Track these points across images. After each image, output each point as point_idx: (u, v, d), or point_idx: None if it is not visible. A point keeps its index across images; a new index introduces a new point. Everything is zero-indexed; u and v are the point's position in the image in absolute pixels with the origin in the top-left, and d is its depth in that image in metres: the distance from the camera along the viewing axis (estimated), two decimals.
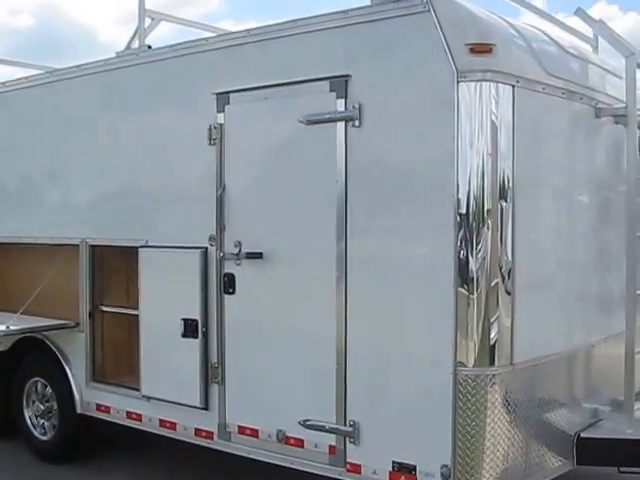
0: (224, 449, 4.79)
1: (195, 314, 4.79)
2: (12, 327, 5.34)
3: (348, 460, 4.21)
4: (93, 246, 5.56)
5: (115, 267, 5.72)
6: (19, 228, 6.08)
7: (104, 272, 5.66)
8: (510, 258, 3.92)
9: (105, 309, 5.65)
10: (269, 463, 4.56)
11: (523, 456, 4.04)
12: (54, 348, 5.81)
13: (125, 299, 5.63)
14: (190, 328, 4.80)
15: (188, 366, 4.84)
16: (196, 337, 4.79)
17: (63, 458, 5.90)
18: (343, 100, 4.18)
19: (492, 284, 3.86)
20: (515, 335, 3.94)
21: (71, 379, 5.71)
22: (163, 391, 5.02)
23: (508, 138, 3.91)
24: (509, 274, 3.91)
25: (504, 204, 3.90)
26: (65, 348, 5.77)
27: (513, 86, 3.93)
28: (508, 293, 3.92)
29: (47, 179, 5.91)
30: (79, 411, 5.67)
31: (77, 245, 5.62)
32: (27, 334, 5.61)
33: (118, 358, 5.69)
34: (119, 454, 6.04)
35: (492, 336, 3.87)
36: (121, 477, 5.69)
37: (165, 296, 4.99)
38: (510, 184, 3.92)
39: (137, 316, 5.41)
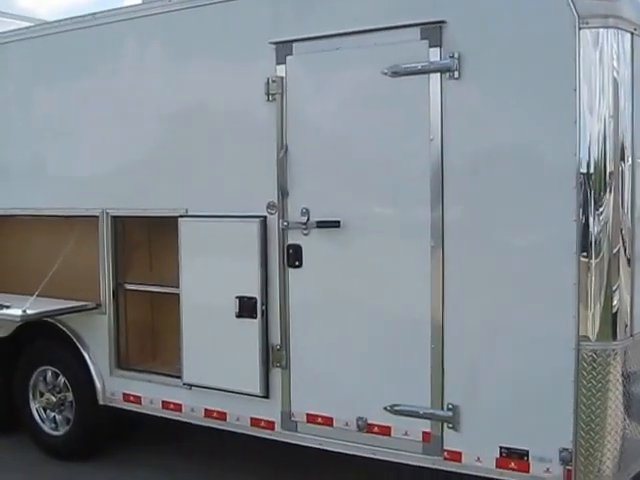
0: (288, 440, 4.32)
1: (253, 291, 4.28)
2: (29, 311, 4.69)
3: (446, 447, 3.83)
4: (115, 217, 4.96)
5: (138, 240, 5.15)
6: (26, 198, 5.38)
7: (126, 246, 5.07)
8: (630, 224, 3.62)
9: (129, 287, 5.07)
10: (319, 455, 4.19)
11: (638, 434, 3.78)
12: (69, 332, 5.17)
13: (152, 276, 5.09)
14: (247, 307, 4.29)
15: (244, 350, 4.34)
16: (254, 317, 4.28)
17: (79, 454, 5.30)
18: (437, 49, 3.71)
19: (614, 250, 3.54)
20: (635, 305, 3.66)
21: (91, 367, 5.11)
22: (211, 378, 4.48)
23: (628, 92, 3.58)
24: (630, 240, 3.60)
25: (624, 165, 3.58)
26: (82, 332, 5.14)
27: (632, 34, 3.59)
28: (629, 260, 3.61)
29: (60, 141, 5.18)
30: (101, 402, 5.08)
31: (96, 217, 5.01)
32: (43, 318, 4.95)
33: (144, 342, 5.16)
34: (139, 447, 5.52)
35: (614, 307, 3.54)
36: (147, 474, 5.19)
37: (214, 272, 4.44)
38: (630, 144, 3.60)
39: (167, 295, 4.90)
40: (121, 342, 5.02)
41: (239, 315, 4.31)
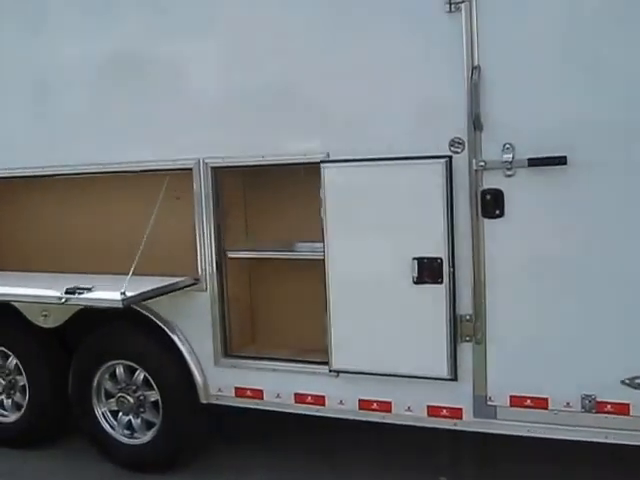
0: (482, 429, 3.52)
1: (437, 250, 3.42)
2: (129, 294, 3.64)
3: None
4: (216, 168, 3.96)
5: (233, 199, 4.16)
6: (75, 153, 4.23)
7: (227, 204, 4.08)
8: None
9: (233, 256, 4.08)
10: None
11: None
12: (151, 316, 4.13)
13: (248, 241, 4.16)
14: (429, 270, 3.42)
15: (423, 324, 3.49)
16: (439, 282, 3.43)
17: (165, 464, 4.29)
18: None
19: None
20: None
21: (187, 358, 4.08)
22: (371, 362, 3.61)
23: None
24: None
25: None
26: (172, 316, 4.11)
27: None
28: None
29: (129, 73, 4.08)
30: (204, 400, 4.09)
31: (188, 169, 3.98)
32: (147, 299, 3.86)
33: (243, 322, 4.20)
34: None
35: None
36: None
37: (378, 230, 3.53)
38: None
39: (269, 263, 4.06)
40: (230, 324, 4.05)
41: (418, 281, 3.45)
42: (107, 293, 3.70)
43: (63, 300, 3.71)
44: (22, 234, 4.79)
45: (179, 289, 3.93)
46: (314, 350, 4.03)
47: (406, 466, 4.19)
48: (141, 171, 4.10)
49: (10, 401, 4.75)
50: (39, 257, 4.66)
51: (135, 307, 4.05)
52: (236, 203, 4.16)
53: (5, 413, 4.77)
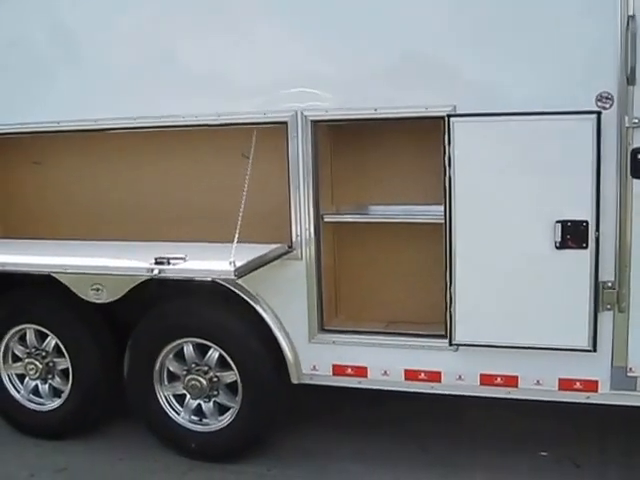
0: (618, 402, 3.33)
1: (583, 213, 3.14)
2: (238, 263, 3.17)
3: None
4: (316, 122, 3.54)
5: (326, 154, 3.75)
6: (137, 105, 3.73)
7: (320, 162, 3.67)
8: None
9: (330, 220, 3.70)
10: None
11: None
12: (235, 289, 3.68)
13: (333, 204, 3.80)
14: (574, 234, 3.15)
15: (564, 292, 3.22)
16: (584, 247, 3.16)
17: (242, 452, 3.88)
18: None
19: None
20: None
21: (277, 333, 3.69)
22: (501, 334, 3.33)
23: None
24: None
25: None
26: (259, 287, 3.68)
27: None
28: None
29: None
30: (295, 380, 3.72)
31: (282, 123, 3.55)
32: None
33: (329, 293, 3.83)
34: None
35: None
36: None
37: (514, 191, 3.23)
38: None
39: (376, 226, 3.74)
40: (327, 296, 3.68)
41: (561, 246, 3.20)
42: (212, 263, 3.26)
43: (156, 272, 3.23)
44: (79, 197, 4.28)
45: (278, 257, 3.53)
46: (404, 322, 3.77)
47: (503, 447, 3.99)
48: (220, 125, 3.65)
49: (47, 387, 4.21)
50: (92, 223, 4.18)
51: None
52: (324, 162, 3.79)
53: (41, 400, 4.22)
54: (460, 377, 3.50)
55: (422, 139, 3.62)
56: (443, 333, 3.48)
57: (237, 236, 3.28)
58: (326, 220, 3.66)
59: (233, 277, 3.14)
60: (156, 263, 3.27)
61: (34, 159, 4.39)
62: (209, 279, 3.32)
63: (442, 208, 3.42)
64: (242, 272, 3.19)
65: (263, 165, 3.67)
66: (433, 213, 3.54)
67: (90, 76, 3.85)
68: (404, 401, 3.98)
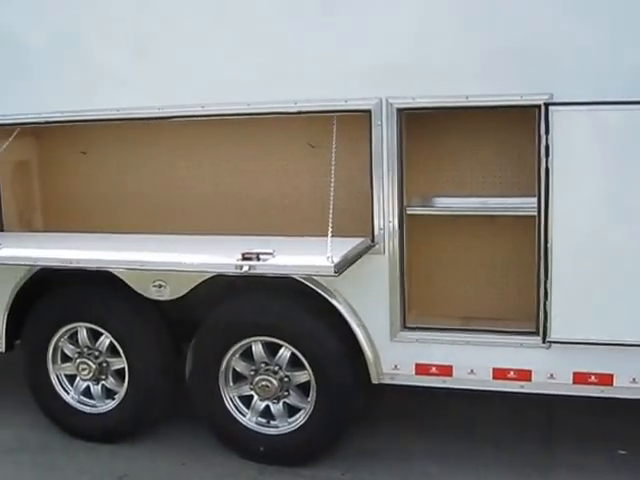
0: None
1: None
2: (335, 259, 2.93)
3: None
4: (403, 110, 3.36)
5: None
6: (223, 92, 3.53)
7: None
8: None
9: (413, 212, 3.51)
10: None
11: None
12: (311, 284, 3.49)
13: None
14: None
15: None
16: None
17: (319, 453, 3.70)
18: None
19: None
20: None
21: (357, 331, 3.52)
22: (599, 331, 3.19)
23: None
24: None
25: None
26: (336, 283, 3.49)
27: None
28: None
29: None
30: (376, 380, 3.56)
31: (364, 111, 3.36)
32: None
33: (432, 290, 3.70)
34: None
35: None
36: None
37: (624, 182, 3.07)
38: None
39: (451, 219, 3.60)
40: (411, 292, 3.52)
41: None
42: (308, 259, 3.06)
43: (246, 268, 3.02)
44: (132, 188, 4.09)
45: (365, 252, 3.35)
46: (479, 318, 3.63)
47: (580, 446, 3.86)
48: (297, 113, 3.46)
49: (99, 388, 3.99)
50: (147, 215, 4.01)
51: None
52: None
53: (92, 402, 4.00)
54: (552, 376, 3.36)
55: (501, 129, 3.51)
56: (534, 330, 3.36)
57: (331, 230, 3.09)
58: (409, 212, 3.50)
59: (333, 273, 2.96)
60: (243, 259, 3.08)
61: (81, 148, 4.18)
62: (304, 275, 3.13)
63: (522, 200, 3.33)
64: (341, 268, 3.02)
65: (316, 155, 3.55)
66: (519, 205, 3.41)
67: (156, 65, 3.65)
68: (468, 400, 3.86)
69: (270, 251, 3.10)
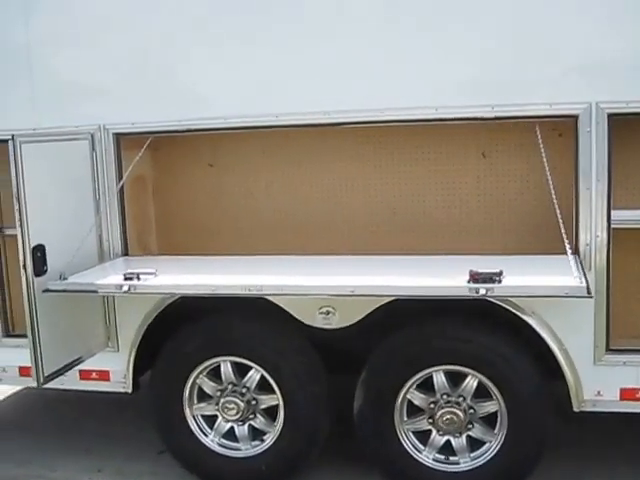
0: None
1: None
2: (581, 279, 2.64)
3: None
4: (614, 115, 3.03)
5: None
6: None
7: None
8: None
9: (620, 226, 3.16)
10: None
11: None
12: (507, 305, 3.17)
13: None
14: None
15: None
16: None
17: None
18: None
19: None
20: None
21: (558, 355, 3.23)
22: None
23: None
24: None
25: None
26: (535, 303, 3.15)
27: None
28: None
29: None
30: (577, 408, 3.25)
31: (570, 117, 3.07)
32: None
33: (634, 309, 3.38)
34: None
35: None
36: None
37: None
38: None
39: None
40: (617, 310, 3.23)
41: None
42: (553, 279, 2.71)
43: (483, 291, 2.66)
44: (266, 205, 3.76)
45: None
46: None
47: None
48: (494, 119, 3.14)
49: (245, 428, 3.55)
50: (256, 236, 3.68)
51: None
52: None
53: (236, 445, 3.57)
54: None
55: None
56: None
57: (567, 246, 2.80)
58: (614, 227, 3.22)
59: (587, 294, 2.66)
60: (473, 280, 2.75)
61: (208, 161, 3.76)
62: (549, 297, 2.80)
63: None
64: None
65: (504, 165, 3.28)
66: None
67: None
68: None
69: (497, 271, 2.78)
